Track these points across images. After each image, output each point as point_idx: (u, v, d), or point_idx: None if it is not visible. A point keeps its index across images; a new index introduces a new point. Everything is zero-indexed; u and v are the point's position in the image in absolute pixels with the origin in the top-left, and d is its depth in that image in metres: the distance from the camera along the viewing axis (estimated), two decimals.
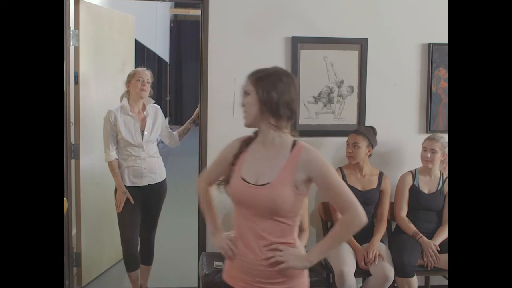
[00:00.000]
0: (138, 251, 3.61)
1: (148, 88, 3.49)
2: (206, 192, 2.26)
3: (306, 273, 2.03)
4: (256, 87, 1.97)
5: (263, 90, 1.95)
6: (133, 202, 3.44)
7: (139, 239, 3.62)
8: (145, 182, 3.50)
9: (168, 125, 3.81)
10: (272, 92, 1.94)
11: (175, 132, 3.78)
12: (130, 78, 3.49)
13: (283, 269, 1.92)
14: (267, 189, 1.90)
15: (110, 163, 3.44)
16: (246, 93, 2.01)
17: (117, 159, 3.45)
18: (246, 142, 2.08)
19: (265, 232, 1.93)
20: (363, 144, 3.35)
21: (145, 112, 3.52)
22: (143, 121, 3.51)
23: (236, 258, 2.02)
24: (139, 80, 3.45)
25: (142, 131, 3.48)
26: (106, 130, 3.44)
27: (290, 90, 1.98)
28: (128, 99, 3.49)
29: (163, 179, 3.62)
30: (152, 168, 3.53)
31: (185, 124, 3.80)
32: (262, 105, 1.95)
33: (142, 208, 3.56)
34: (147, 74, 3.51)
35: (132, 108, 3.47)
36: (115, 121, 3.42)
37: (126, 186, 3.46)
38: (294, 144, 1.99)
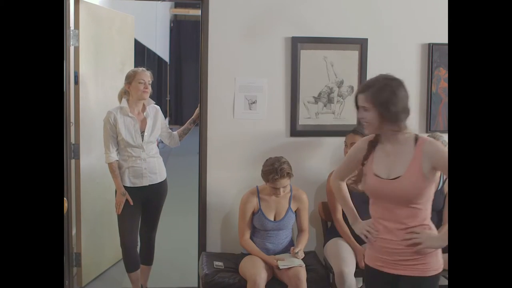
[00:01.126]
0: (138, 251, 3.61)
1: (149, 89, 3.48)
2: (340, 188, 2.51)
3: (440, 251, 2.27)
4: (374, 103, 2.16)
5: (382, 105, 2.15)
6: (132, 204, 3.44)
7: (139, 239, 3.62)
8: (145, 182, 3.49)
9: (168, 125, 3.81)
10: (391, 106, 2.14)
11: (175, 132, 3.78)
12: (131, 80, 3.45)
13: (420, 249, 2.18)
14: (399, 182, 2.17)
15: (110, 165, 3.44)
16: (364, 109, 2.20)
17: (117, 160, 3.44)
18: (373, 143, 2.29)
19: (403, 218, 2.20)
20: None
21: (145, 113, 3.51)
22: (143, 122, 3.50)
23: (376, 241, 2.27)
24: (140, 82, 3.43)
25: (142, 132, 3.47)
26: (106, 132, 3.43)
27: (402, 95, 2.18)
28: (127, 100, 3.47)
29: (163, 179, 3.62)
30: (152, 168, 3.53)
31: (186, 124, 3.80)
32: (382, 118, 2.17)
33: (142, 208, 3.55)
34: (147, 75, 3.48)
35: (132, 109, 3.46)
36: (115, 122, 3.40)
37: (126, 187, 3.45)
38: (416, 139, 2.21)
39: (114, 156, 3.43)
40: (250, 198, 3.29)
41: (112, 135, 3.42)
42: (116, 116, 3.41)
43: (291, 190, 3.31)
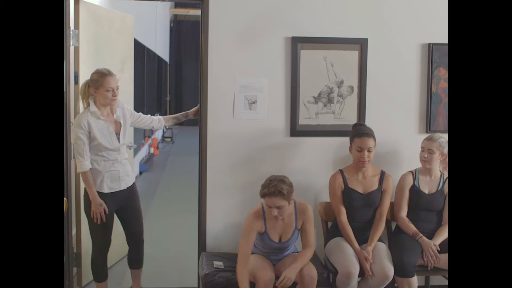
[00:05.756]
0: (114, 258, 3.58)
1: (118, 93, 3.31)
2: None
3: None
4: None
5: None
6: (107, 212, 3.33)
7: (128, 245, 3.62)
8: (123, 185, 3.41)
9: (135, 112, 3.65)
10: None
11: (159, 117, 3.73)
12: (98, 86, 3.25)
13: None
14: None
15: (84, 174, 3.25)
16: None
17: (90, 168, 3.30)
18: None
19: None
20: (374, 145, 3.32)
21: (115, 116, 3.39)
22: (116, 124, 3.39)
23: None
24: (108, 90, 3.24)
25: (117, 134, 3.37)
26: (78, 138, 3.22)
27: None
28: (94, 102, 3.31)
29: (134, 181, 3.58)
30: (127, 171, 3.47)
31: (178, 114, 3.81)
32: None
33: (122, 214, 3.52)
34: (116, 80, 3.29)
35: (101, 112, 3.31)
36: (89, 126, 3.23)
37: (103, 194, 3.33)
38: None
39: (88, 164, 3.26)
40: (255, 221, 3.09)
41: (85, 141, 3.24)
42: (89, 120, 3.25)
43: (295, 205, 3.16)
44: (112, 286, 3.79)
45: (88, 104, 3.34)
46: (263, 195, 2.97)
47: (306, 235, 3.14)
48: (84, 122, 3.23)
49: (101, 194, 3.33)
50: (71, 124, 3.69)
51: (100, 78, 3.26)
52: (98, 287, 3.57)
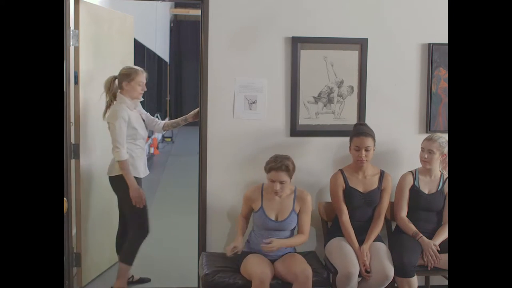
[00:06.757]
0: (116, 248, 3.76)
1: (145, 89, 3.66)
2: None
3: None
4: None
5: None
6: (144, 196, 3.58)
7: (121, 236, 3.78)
8: (148, 170, 3.75)
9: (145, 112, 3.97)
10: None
11: (162, 122, 3.97)
12: (130, 79, 3.55)
13: None
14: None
15: (124, 162, 3.47)
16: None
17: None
18: None
19: None
20: (372, 145, 3.33)
21: (138, 109, 3.70)
22: (141, 116, 3.71)
23: None
24: (139, 85, 3.57)
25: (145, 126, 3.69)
26: (119, 128, 3.46)
27: None
28: (123, 95, 3.58)
29: None
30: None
31: (178, 119, 3.97)
32: None
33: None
34: (145, 77, 3.63)
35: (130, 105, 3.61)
36: (129, 118, 3.50)
37: (139, 178, 3.58)
38: None
39: (125, 153, 3.49)
40: (254, 195, 3.29)
41: (125, 131, 3.48)
42: (128, 112, 3.51)
43: (295, 191, 3.28)
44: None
45: (113, 98, 3.59)
46: (269, 170, 3.15)
47: (301, 223, 3.27)
48: (124, 113, 3.49)
49: (137, 179, 3.56)
50: (71, 124, 3.70)
51: (133, 72, 3.57)
52: (124, 269, 3.64)
